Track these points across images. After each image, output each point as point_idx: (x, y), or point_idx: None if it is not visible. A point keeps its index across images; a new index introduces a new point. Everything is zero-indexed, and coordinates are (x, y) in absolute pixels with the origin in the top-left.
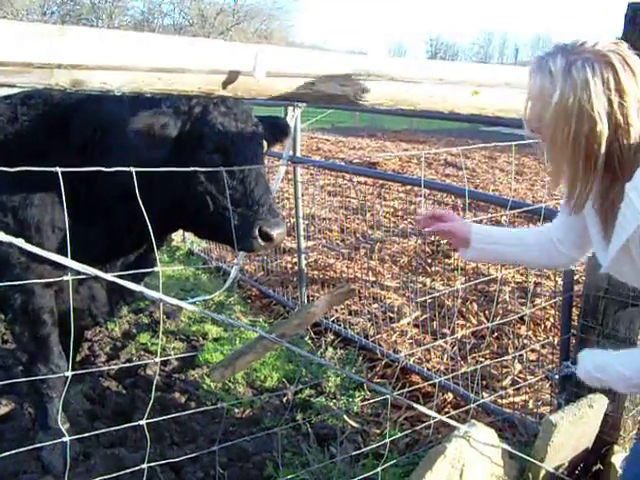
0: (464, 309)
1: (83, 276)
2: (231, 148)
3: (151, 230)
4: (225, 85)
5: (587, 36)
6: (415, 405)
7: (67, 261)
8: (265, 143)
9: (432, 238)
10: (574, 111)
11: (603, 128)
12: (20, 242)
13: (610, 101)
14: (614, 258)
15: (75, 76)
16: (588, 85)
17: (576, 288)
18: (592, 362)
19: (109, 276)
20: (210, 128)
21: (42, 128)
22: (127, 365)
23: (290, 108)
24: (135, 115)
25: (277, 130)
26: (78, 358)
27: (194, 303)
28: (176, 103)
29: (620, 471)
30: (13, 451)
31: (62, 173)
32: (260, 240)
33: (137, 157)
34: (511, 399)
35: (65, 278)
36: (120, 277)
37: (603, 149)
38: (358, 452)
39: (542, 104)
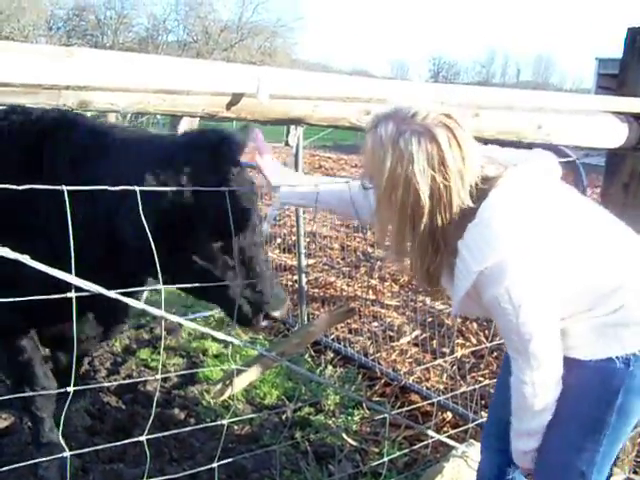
0: (464, 328)
1: (86, 293)
2: (230, 234)
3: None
4: (229, 107)
5: (423, 106)
6: (413, 424)
7: (71, 277)
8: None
9: None
10: (401, 181)
11: (425, 202)
12: (26, 259)
13: (433, 177)
14: (458, 307)
15: (83, 97)
16: (413, 159)
17: None
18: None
19: (112, 293)
20: (209, 212)
21: (16, 149)
22: (127, 381)
23: (292, 126)
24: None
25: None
26: (79, 372)
27: (195, 320)
28: (168, 171)
29: None
30: (12, 466)
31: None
32: (263, 322)
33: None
34: None
35: (69, 295)
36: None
37: (425, 220)
38: (357, 470)
39: (372, 166)
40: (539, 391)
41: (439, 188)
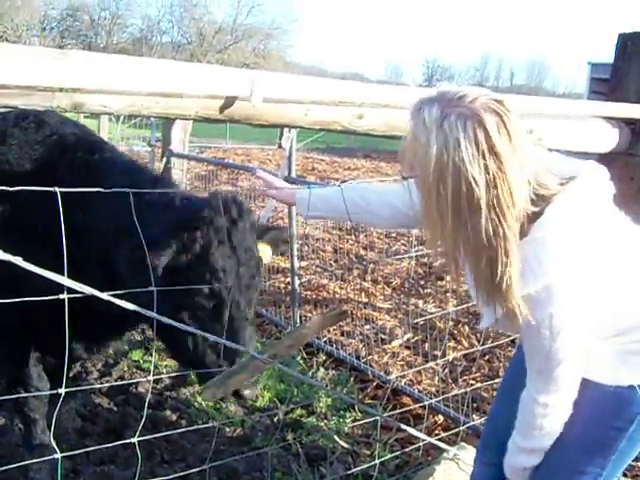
0: (455, 331)
1: (79, 295)
2: (226, 296)
3: None
4: (222, 110)
5: (472, 89)
6: (405, 427)
7: (64, 280)
8: (269, 251)
9: (425, 260)
10: (449, 170)
11: (482, 194)
12: (18, 260)
13: (486, 166)
14: (491, 321)
15: (76, 99)
16: (459, 144)
17: None
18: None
19: (105, 295)
20: (209, 272)
21: (28, 158)
22: (119, 383)
23: (286, 129)
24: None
25: (278, 240)
26: (70, 375)
27: None
28: (175, 222)
29: None
30: (1, 468)
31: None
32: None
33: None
34: None
35: (61, 296)
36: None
37: (483, 220)
38: (348, 473)
39: (415, 154)
40: (551, 413)
41: (495, 179)
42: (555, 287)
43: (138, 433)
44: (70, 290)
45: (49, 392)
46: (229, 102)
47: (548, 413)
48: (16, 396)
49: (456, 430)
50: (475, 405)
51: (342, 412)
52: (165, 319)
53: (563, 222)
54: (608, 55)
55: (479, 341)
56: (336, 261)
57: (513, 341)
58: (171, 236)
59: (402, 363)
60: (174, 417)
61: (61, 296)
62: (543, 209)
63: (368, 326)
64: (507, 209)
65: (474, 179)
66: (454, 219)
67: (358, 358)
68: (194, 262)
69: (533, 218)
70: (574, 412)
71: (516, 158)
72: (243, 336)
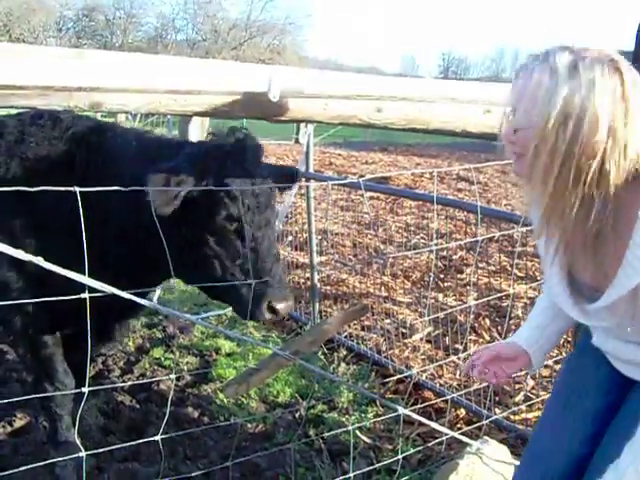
0: (477, 325)
1: (100, 294)
2: (245, 216)
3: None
4: (240, 106)
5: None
6: (427, 422)
7: (84, 278)
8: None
9: (445, 253)
10: (575, 113)
11: (602, 138)
12: (39, 260)
13: (613, 113)
14: (617, 298)
15: (94, 98)
16: (594, 86)
17: None
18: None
19: (125, 294)
20: (226, 195)
21: (47, 153)
22: (141, 381)
23: (303, 124)
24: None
25: (286, 179)
26: (92, 373)
27: (207, 318)
28: (192, 157)
29: None
30: (28, 466)
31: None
32: (266, 313)
33: (143, 207)
34: (524, 415)
35: (83, 295)
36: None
37: (595, 165)
38: (371, 468)
39: (532, 101)
40: None
41: (616, 129)
42: None
43: (161, 431)
44: (91, 289)
45: (73, 391)
46: (247, 98)
47: None
48: (42, 395)
49: (479, 424)
50: (497, 399)
51: (364, 407)
52: (183, 315)
53: None
54: (626, 44)
55: (500, 334)
56: (355, 255)
57: None
58: (191, 164)
59: (423, 357)
60: (196, 414)
61: (82, 295)
62: None
63: (388, 320)
64: (621, 162)
65: (599, 122)
66: (562, 166)
67: (379, 352)
68: (212, 186)
69: None
70: None
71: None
72: (270, 255)
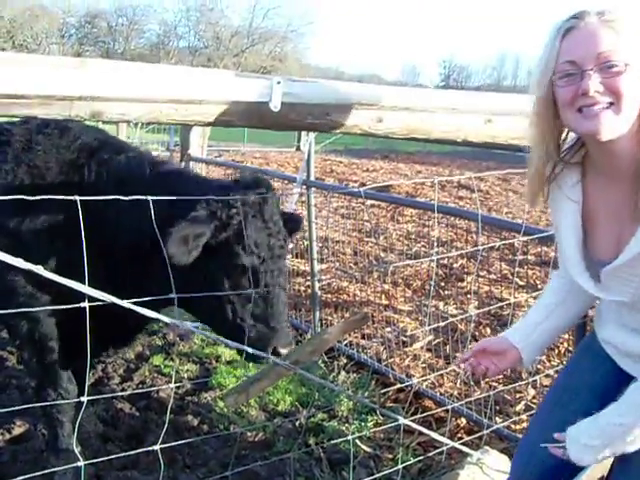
0: (477, 333)
1: (100, 303)
2: (261, 266)
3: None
4: (241, 115)
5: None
6: (427, 432)
7: (84, 288)
8: None
9: (445, 261)
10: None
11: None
12: (39, 269)
13: None
14: (628, 263)
15: (95, 107)
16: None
17: (590, 312)
18: (585, 434)
19: (125, 303)
20: (244, 247)
21: (55, 162)
22: (141, 390)
23: (304, 132)
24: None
25: (291, 226)
26: (91, 380)
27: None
28: (212, 205)
29: None
30: (27, 475)
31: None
32: (270, 355)
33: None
34: (525, 425)
35: (82, 304)
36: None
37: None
38: (371, 478)
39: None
40: None
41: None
42: None
43: (160, 439)
44: (91, 298)
45: (72, 400)
46: (248, 107)
47: None
48: (43, 404)
49: (479, 434)
50: (498, 408)
51: (364, 416)
52: (183, 323)
53: None
54: None
55: None
56: (356, 263)
57: None
58: (210, 214)
59: (424, 366)
60: (196, 422)
61: (82, 304)
62: None
63: (389, 329)
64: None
65: None
66: None
67: (379, 361)
68: (232, 237)
69: None
70: None
71: None
72: (280, 303)
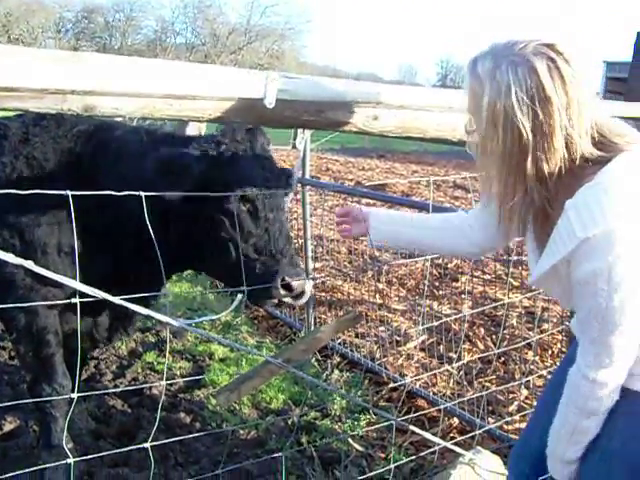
0: (471, 333)
1: (91, 299)
2: (257, 198)
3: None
4: (236, 111)
5: (523, 36)
6: (420, 431)
7: (75, 283)
8: None
9: (440, 261)
10: (501, 118)
11: (528, 139)
12: (29, 264)
13: (535, 111)
14: (542, 275)
15: (88, 101)
16: (510, 90)
17: None
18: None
19: (117, 299)
20: (238, 178)
21: (53, 152)
22: (133, 387)
23: (300, 129)
24: (155, 150)
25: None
26: (84, 376)
27: (201, 323)
28: (204, 146)
29: None
30: (19, 472)
31: (72, 198)
32: (281, 290)
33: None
34: (517, 425)
35: (74, 300)
36: (128, 301)
37: (529, 162)
38: (363, 477)
39: (472, 106)
40: (597, 393)
41: (542, 125)
42: (615, 234)
43: (151, 437)
44: (82, 294)
45: (63, 397)
46: (242, 104)
47: (595, 393)
48: (35, 400)
49: (472, 434)
50: (491, 408)
51: (356, 415)
52: (176, 321)
53: (632, 171)
54: (622, 54)
55: (495, 344)
56: (350, 262)
57: (529, 343)
58: (200, 151)
59: (417, 365)
60: (188, 419)
61: (73, 300)
62: (611, 157)
63: (383, 328)
64: (551, 156)
65: (522, 124)
66: (502, 164)
67: (373, 360)
68: (224, 170)
69: (598, 163)
70: (615, 425)
71: (571, 101)
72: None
